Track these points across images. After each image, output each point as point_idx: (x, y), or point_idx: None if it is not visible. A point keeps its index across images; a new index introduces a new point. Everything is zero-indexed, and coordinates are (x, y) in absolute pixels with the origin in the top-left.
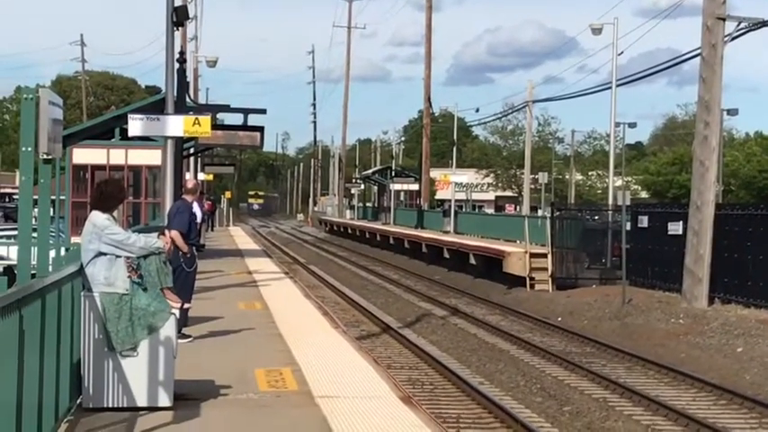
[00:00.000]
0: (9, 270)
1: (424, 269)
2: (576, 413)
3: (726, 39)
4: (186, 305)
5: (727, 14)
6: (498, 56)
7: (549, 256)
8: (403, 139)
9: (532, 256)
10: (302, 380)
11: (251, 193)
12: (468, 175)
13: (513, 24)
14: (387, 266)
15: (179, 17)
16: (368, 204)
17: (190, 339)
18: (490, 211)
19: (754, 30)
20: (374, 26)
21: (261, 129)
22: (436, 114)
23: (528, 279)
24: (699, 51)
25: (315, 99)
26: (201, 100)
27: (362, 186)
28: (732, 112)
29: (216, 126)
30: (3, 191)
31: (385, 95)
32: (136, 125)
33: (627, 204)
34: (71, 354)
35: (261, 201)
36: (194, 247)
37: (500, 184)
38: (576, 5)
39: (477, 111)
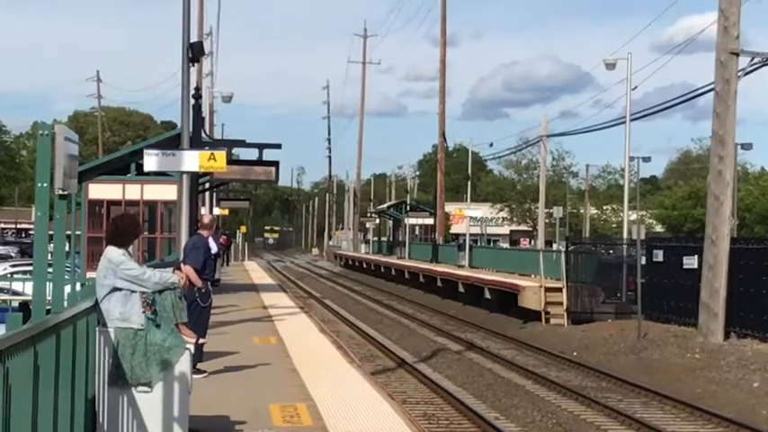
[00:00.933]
0: (25, 306)
1: (439, 303)
2: None
3: (739, 74)
4: (201, 340)
5: (740, 49)
6: (514, 90)
7: (565, 291)
8: (417, 173)
9: (547, 290)
10: (317, 415)
11: (267, 227)
12: (482, 210)
13: (530, 59)
14: (402, 301)
15: (195, 53)
16: (383, 239)
17: (205, 375)
18: (505, 245)
19: (767, 64)
20: (390, 61)
21: (276, 163)
22: (451, 149)
23: (543, 313)
24: (713, 86)
25: (330, 134)
26: (217, 135)
27: (377, 221)
28: (746, 147)
29: (231, 161)
30: (19, 226)
31: (400, 130)
32: (151, 160)
33: (642, 238)
34: (86, 390)
35: (276, 235)
36: (209, 282)
37: (515, 219)
38: (593, 40)
39: (492, 145)
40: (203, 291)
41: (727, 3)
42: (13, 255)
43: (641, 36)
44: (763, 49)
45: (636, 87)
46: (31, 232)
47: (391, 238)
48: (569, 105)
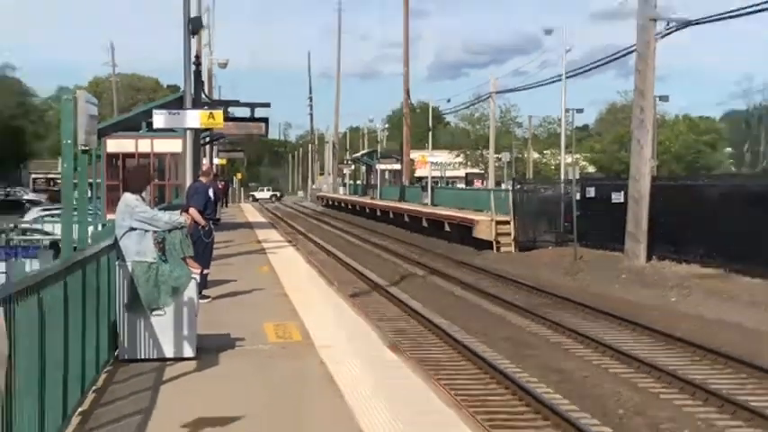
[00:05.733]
0: (55, 244)
1: (407, 236)
2: (536, 355)
3: (657, 37)
4: (205, 271)
5: (658, 16)
6: (474, 53)
7: (512, 223)
8: (387, 126)
9: (498, 223)
10: (305, 332)
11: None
12: (442, 156)
13: (487, 27)
14: (375, 234)
15: (194, 26)
16: (358, 182)
17: (209, 300)
18: (461, 185)
19: (681, 29)
20: (373, 29)
21: (266, 120)
22: (415, 105)
23: (495, 243)
24: (635, 48)
25: (311, 93)
26: (215, 96)
27: (353, 167)
28: (663, 99)
29: (227, 118)
30: (49, 176)
31: (375, 89)
32: (160, 119)
33: (576, 178)
34: (108, 315)
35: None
36: (211, 221)
37: (469, 163)
38: (547, 10)
39: (449, 101)
40: (206, 229)
41: None
42: (43, 201)
43: (585, 6)
44: (687, 12)
45: (570, 49)
46: (58, 181)
47: (365, 182)
48: (520, 65)
